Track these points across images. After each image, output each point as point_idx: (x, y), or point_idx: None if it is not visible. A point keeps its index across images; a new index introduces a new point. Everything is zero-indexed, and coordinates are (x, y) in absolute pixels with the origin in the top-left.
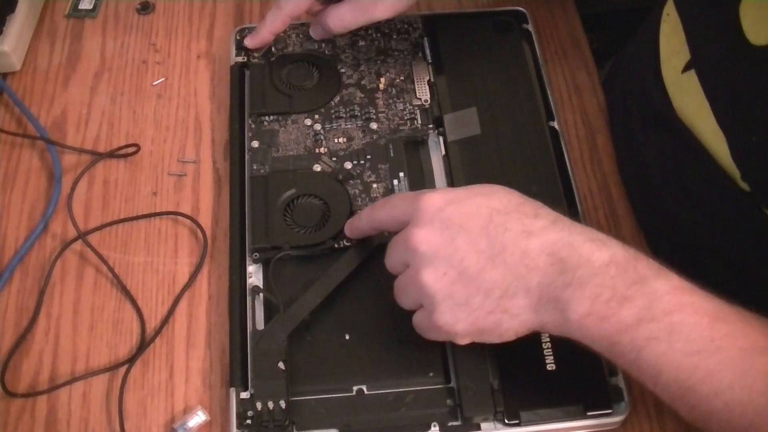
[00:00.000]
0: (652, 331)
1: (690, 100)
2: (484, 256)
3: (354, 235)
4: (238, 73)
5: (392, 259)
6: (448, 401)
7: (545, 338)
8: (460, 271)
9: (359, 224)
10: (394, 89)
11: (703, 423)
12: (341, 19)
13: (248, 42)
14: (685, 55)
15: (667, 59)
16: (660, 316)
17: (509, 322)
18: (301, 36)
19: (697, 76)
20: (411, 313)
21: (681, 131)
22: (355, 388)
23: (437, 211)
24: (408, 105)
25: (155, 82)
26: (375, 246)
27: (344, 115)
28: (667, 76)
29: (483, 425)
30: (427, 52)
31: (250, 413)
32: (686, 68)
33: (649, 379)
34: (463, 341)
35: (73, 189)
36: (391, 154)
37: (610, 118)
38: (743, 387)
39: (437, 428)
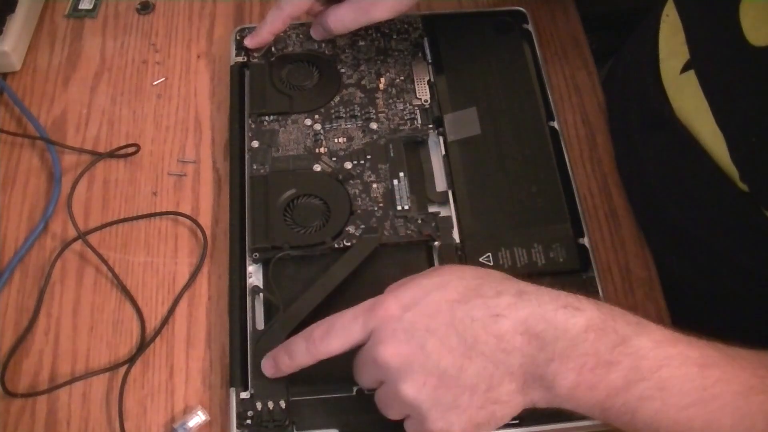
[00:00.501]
0: (643, 390)
1: (688, 101)
2: (459, 353)
3: (280, 373)
4: (238, 73)
5: (364, 378)
6: None
7: None
8: (439, 376)
9: (297, 361)
10: (394, 89)
11: None
12: (341, 20)
13: (248, 42)
14: (684, 56)
15: (666, 59)
16: (648, 375)
17: (502, 410)
18: (301, 36)
19: (697, 76)
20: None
21: (679, 131)
22: (355, 388)
23: (397, 321)
24: (408, 105)
25: (155, 82)
26: (375, 246)
27: (344, 115)
28: (665, 76)
29: None
30: (427, 52)
31: (250, 413)
32: (685, 69)
33: None
34: None
35: (73, 189)
36: (391, 154)
37: (610, 118)
38: (744, 430)
39: None
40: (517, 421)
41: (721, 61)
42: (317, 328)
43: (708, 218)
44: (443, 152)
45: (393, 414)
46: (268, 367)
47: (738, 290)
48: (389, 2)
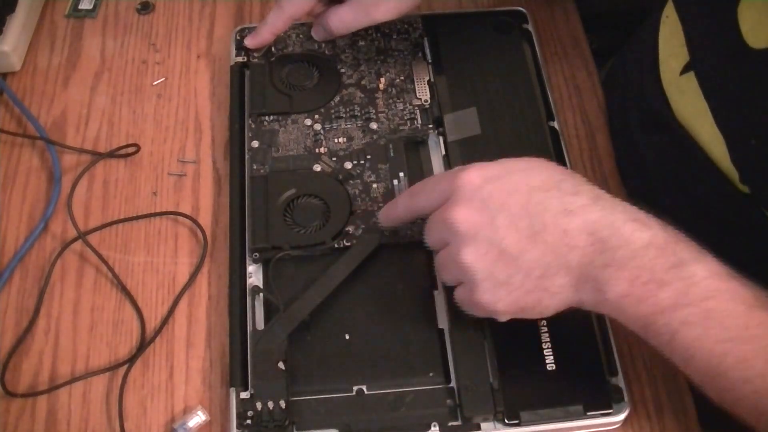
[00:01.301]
0: (687, 315)
1: (688, 102)
2: (525, 235)
3: (390, 225)
4: (238, 73)
5: (432, 237)
6: (448, 401)
7: (545, 338)
8: (500, 251)
9: (396, 213)
10: (394, 89)
11: (731, 407)
12: (343, 20)
13: (248, 42)
14: (683, 57)
15: (665, 61)
16: (696, 301)
17: (549, 300)
18: (301, 36)
19: (696, 78)
20: (409, 314)
21: (679, 133)
22: (355, 388)
23: (476, 190)
24: (408, 105)
25: (155, 82)
26: (375, 246)
27: (344, 115)
28: (665, 77)
29: (483, 425)
30: (427, 52)
31: (250, 413)
32: (684, 70)
33: (680, 362)
34: (503, 318)
35: (73, 189)
36: (391, 154)
37: (610, 119)
38: None
39: (437, 428)
40: (516, 421)
41: (720, 63)
42: (416, 185)
43: (708, 219)
44: (443, 152)
45: (447, 276)
46: (383, 218)
47: None
48: (391, 3)
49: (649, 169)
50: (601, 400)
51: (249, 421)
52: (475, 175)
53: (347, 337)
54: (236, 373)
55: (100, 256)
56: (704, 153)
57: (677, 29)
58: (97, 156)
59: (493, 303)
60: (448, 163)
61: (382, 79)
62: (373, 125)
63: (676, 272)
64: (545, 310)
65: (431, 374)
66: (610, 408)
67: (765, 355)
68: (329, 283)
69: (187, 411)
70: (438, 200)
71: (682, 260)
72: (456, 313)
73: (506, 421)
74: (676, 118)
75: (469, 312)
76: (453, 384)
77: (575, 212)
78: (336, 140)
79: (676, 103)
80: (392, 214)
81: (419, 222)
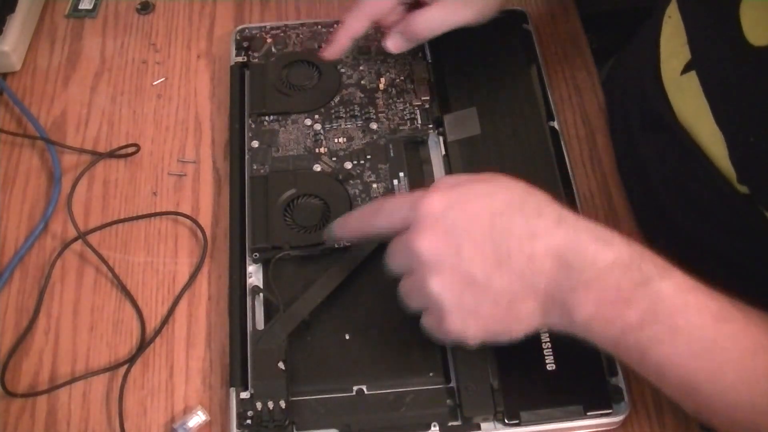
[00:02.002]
0: (656, 332)
1: (688, 102)
2: (490, 262)
3: (341, 238)
4: (238, 73)
5: (395, 263)
6: (448, 401)
7: (545, 338)
8: (467, 279)
9: (352, 227)
10: (394, 89)
11: (708, 421)
12: (430, 23)
13: (326, 54)
14: (684, 57)
15: (666, 60)
16: (663, 318)
17: (518, 325)
18: (301, 36)
19: (698, 76)
20: (410, 314)
21: (679, 133)
22: (355, 388)
23: (439, 216)
24: (408, 105)
25: (155, 82)
26: (375, 246)
27: (344, 115)
28: (666, 77)
29: (483, 425)
30: (427, 52)
31: (250, 413)
32: (686, 69)
33: (653, 379)
34: (473, 344)
35: (73, 189)
36: (391, 154)
37: (610, 119)
38: (746, 387)
39: (437, 428)
40: (516, 421)
41: (722, 61)
42: (369, 206)
43: (707, 219)
44: (443, 152)
45: (413, 303)
46: (338, 228)
47: (738, 290)
48: (480, 3)
49: (649, 170)
50: (601, 400)
51: (249, 421)
52: (437, 202)
53: (347, 337)
54: (236, 373)
55: (100, 256)
56: (704, 153)
57: (679, 29)
58: (97, 156)
59: (463, 331)
60: (448, 163)
61: (382, 79)
62: (373, 125)
63: (642, 290)
64: (515, 335)
65: (431, 374)
66: (610, 408)
67: (735, 367)
68: (329, 283)
69: (187, 411)
70: (398, 224)
71: (648, 277)
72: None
73: (506, 421)
74: (677, 118)
75: (437, 339)
76: (453, 384)
77: (539, 235)
78: (336, 140)
79: (676, 102)
80: (348, 226)
81: None
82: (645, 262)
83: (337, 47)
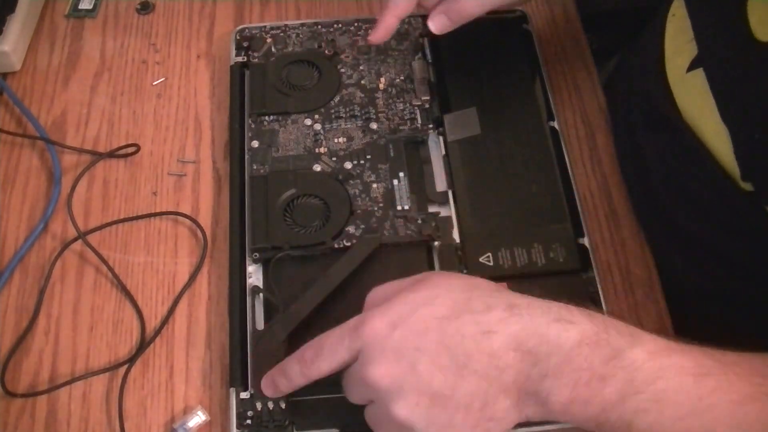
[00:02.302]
0: (638, 403)
1: (694, 100)
2: (451, 371)
3: (277, 395)
4: (238, 73)
5: (354, 397)
6: None
7: None
8: (432, 395)
9: (289, 384)
10: (394, 89)
11: None
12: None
13: (375, 37)
14: (690, 54)
15: (671, 59)
16: (643, 387)
17: (497, 426)
18: (301, 36)
19: (704, 72)
20: None
21: (683, 131)
22: None
23: (384, 340)
24: (408, 105)
25: (155, 82)
26: (375, 246)
27: (344, 115)
28: (671, 74)
29: None
30: (427, 52)
31: (250, 413)
32: (691, 67)
33: None
34: None
35: (73, 189)
36: (391, 154)
37: (613, 118)
38: None
39: None
40: None
41: (728, 57)
42: (308, 350)
43: (710, 218)
44: (443, 152)
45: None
46: (266, 388)
47: (739, 290)
48: None
49: (653, 169)
50: None
51: (249, 421)
52: (378, 325)
53: None
54: (236, 373)
55: (100, 256)
56: (707, 151)
57: (684, 26)
58: (97, 156)
59: None
60: (448, 163)
61: (382, 79)
62: (373, 125)
63: (616, 363)
64: None
65: None
66: None
67: (726, 420)
68: (329, 283)
69: (187, 411)
70: (343, 360)
71: (618, 349)
72: None
73: None
74: (681, 116)
75: None
76: None
77: (494, 330)
78: (336, 140)
79: (681, 100)
80: (282, 386)
81: (418, 222)
82: (611, 334)
83: (386, 29)
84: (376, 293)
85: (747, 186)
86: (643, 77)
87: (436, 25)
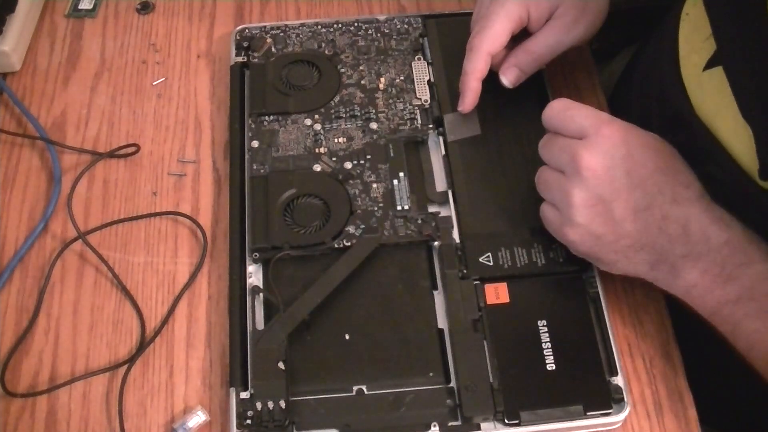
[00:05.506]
0: (749, 309)
1: (711, 98)
2: (631, 206)
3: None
4: (238, 73)
5: (549, 157)
6: (448, 401)
7: (545, 338)
8: (607, 210)
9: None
10: (394, 89)
11: None
12: (548, 48)
13: (465, 106)
14: (706, 53)
15: (686, 57)
16: (759, 297)
17: (625, 264)
18: (301, 36)
19: (724, 69)
20: (409, 314)
21: (699, 130)
22: (355, 388)
23: (615, 147)
24: (408, 105)
25: (155, 82)
26: (375, 246)
27: (344, 115)
28: (686, 74)
29: (483, 425)
30: (427, 52)
31: (250, 413)
32: (708, 65)
33: (742, 350)
34: (573, 252)
35: (73, 189)
36: (391, 154)
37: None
38: None
39: (437, 428)
40: (516, 421)
41: (749, 53)
42: (557, 102)
43: None
44: (443, 152)
45: (545, 195)
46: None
47: None
48: (589, 17)
49: None
50: (601, 400)
51: (249, 421)
52: (618, 134)
53: (347, 337)
54: (236, 373)
55: (100, 256)
56: (724, 150)
57: (700, 25)
58: (97, 156)
59: (577, 243)
60: (448, 163)
61: (382, 79)
62: (373, 125)
63: (744, 269)
64: (616, 270)
65: (431, 374)
66: (610, 408)
67: None
68: (329, 283)
69: (187, 411)
70: (573, 130)
71: (752, 259)
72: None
73: (506, 421)
74: (697, 114)
75: (547, 228)
76: (453, 384)
77: (679, 203)
78: (336, 140)
79: (697, 99)
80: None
81: (418, 222)
82: (752, 246)
83: (472, 95)
84: (612, 119)
85: (766, 185)
86: (657, 77)
87: (510, 78)
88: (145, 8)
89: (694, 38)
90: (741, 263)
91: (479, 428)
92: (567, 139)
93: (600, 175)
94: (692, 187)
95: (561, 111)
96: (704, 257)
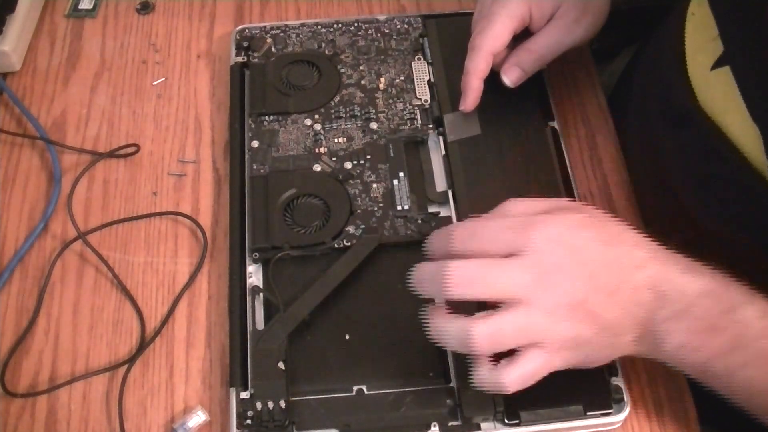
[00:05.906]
0: (743, 357)
1: (718, 97)
2: (604, 293)
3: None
4: (238, 73)
5: (490, 294)
6: (448, 401)
7: None
8: (587, 310)
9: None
10: (394, 89)
11: None
12: (548, 48)
13: (467, 105)
14: (713, 53)
15: (692, 56)
16: (751, 343)
17: (611, 354)
18: (301, 36)
19: (732, 70)
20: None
21: (706, 127)
22: (355, 388)
23: (552, 252)
24: (408, 105)
25: (155, 82)
26: (375, 246)
27: (344, 115)
28: (693, 72)
29: (483, 425)
30: (427, 52)
31: (250, 413)
32: (716, 65)
33: (741, 401)
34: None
35: (73, 189)
36: (391, 154)
37: (624, 118)
38: None
39: (437, 428)
40: (516, 421)
41: (756, 53)
42: (458, 229)
43: (733, 219)
44: (443, 152)
45: (517, 342)
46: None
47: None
48: (589, 18)
49: (671, 168)
50: (601, 400)
51: (249, 421)
52: (546, 236)
53: (347, 337)
54: (236, 373)
55: (100, 256)
56: (733, 147)
57: (706, 25)
58: (97, 156)
59: (565, 362)
60: (448, 163)
61: (382, 79)
62: (373, 125)
63: (729, 317)
64: (601, 362)
65: (431, 374)
66: (610, 408)
67: None
68: (329, 283)
69: (187, 411)
70: (499, 250)
71: (734, 305)
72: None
73: (506, 421)
74: (705, 113)
75: (517, 384)
76: (453, 384)
77: (639, 267)
78: (336, 140)
79: (704, 97)
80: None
81: (418, 222)
82: (730, 291)
83: (475, 92)
84: (517, 206)
85: None
86: (661, 76)
87: (511, 77)
88: (145, 8)
89: (701, 38)
90: (725, 311)
91: (479, 428)
92: (502, 266)
93: (561, 281)
94: (640, 246)
95: (472, 234)
96: (686, 314)
